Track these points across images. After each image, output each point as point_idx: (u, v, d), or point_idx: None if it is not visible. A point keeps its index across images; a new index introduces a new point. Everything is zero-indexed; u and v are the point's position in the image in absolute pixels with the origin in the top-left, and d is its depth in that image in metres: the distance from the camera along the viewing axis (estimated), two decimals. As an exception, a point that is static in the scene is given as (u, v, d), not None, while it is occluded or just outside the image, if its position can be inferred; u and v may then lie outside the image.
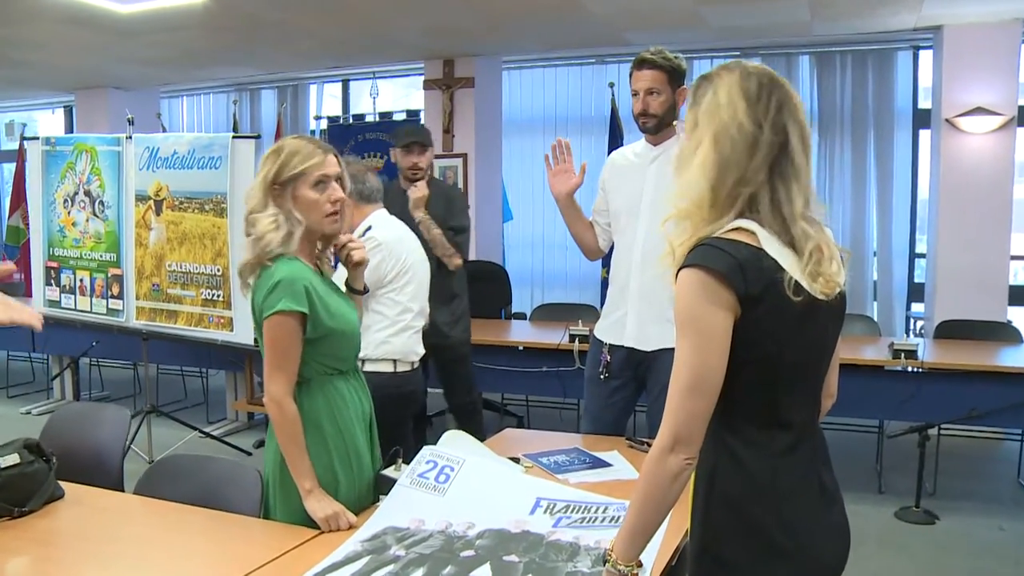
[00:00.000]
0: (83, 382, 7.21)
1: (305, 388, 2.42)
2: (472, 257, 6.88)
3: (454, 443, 2.77)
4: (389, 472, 2.59)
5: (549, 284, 7.94)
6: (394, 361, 3.51)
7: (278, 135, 7.97)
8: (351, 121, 7.94)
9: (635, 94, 3.24)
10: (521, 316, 6.44)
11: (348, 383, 2.52)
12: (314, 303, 2.36)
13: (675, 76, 3.20)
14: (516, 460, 2.87)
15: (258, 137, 4.96)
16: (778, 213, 1.61)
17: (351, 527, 2.32)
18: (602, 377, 3.38)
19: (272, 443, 2.43)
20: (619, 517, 2.32)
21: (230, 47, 6.73)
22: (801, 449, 1.67)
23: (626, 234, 3.34)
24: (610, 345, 3.36)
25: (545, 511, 2.38)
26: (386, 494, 2.49)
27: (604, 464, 2.89)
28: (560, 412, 5.79)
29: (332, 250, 2.60)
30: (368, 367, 3.34)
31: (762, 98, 1.61)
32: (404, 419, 3.57)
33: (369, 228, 3.54)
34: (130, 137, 5.14)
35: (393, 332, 3.51)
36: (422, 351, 3.66)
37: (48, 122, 10.49)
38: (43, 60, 7.08)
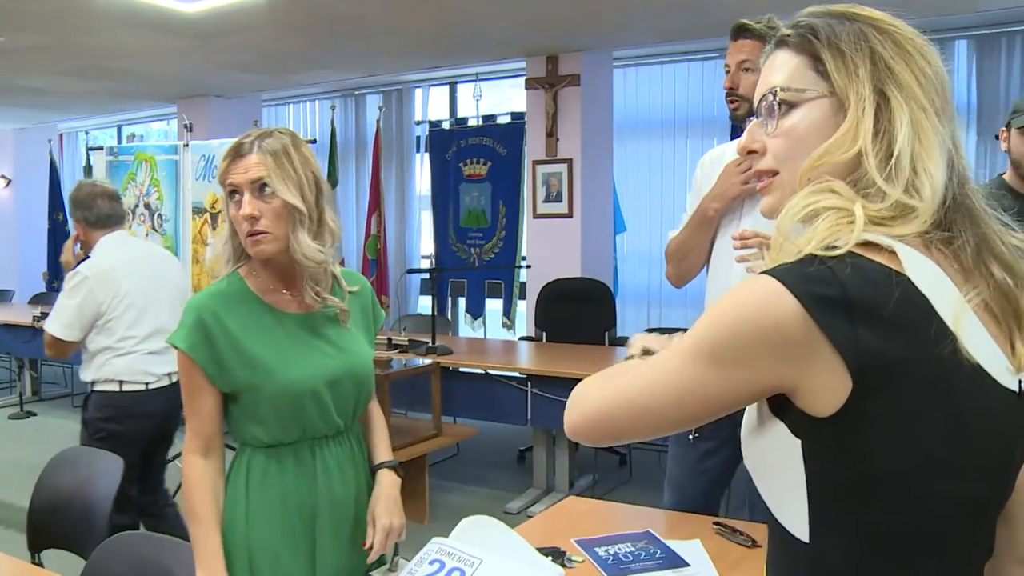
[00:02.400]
0: None
1: (237, 455, 1.90)
2: (576, 274, 6.26)
3: (473, 533, 2.10)
4: (378, 574, 1.96)
5: (667, 302, 7.18)
6: (120, 381, 3.48)
7: (376, 141, 7.53)
8: (454, 125, 7.43)
9: (726, 70, 2.55)
10: (626, 341, 5.73)
11: (283, 464, 1.89)
12: (213, 342, 1.79)
13: None
14: (561, 554, 2.19)
15: (314, 141, 4.45)
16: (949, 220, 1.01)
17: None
18: (691, 438, 2.68)
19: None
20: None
21: (318, 48, 6.31)
22: None
23: (722, 250, 2.63)
24: None
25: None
26: (375, 604, 1.87)
27: (679, 562, 2.18)
28: (659, 457, 5.06)
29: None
30: (96, 387, 3.49)
31: (930, 47, 1.06)
32: (137, 439, 3.49)
33: (87, 259, 3.45)
34: (187, 144, 4.72)
35: (113, 356, 3.48)
36: (161, 371, 3.56)
37: (163, 134, 10.46)
38: (136, 69, 6.87)
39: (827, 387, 0.90)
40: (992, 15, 5.64)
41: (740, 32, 2.55)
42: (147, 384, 3.52)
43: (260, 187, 1.80)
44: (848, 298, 0.89)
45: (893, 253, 0.93)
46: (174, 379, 3.59)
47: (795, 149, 1.04)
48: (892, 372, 0.89)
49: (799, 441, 0.95)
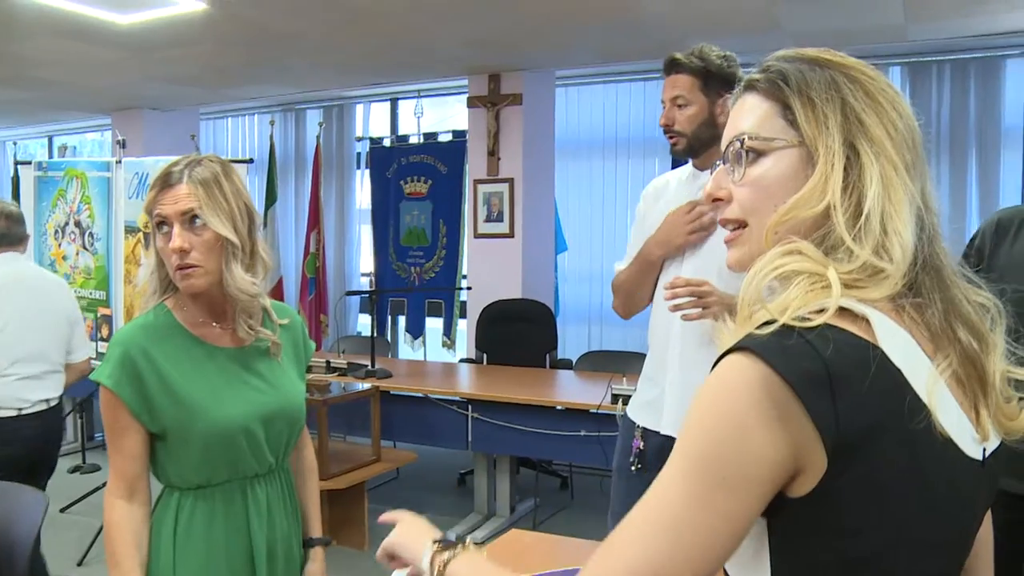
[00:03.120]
0: (97, 423, 6.74)
1: (161, 497, 1.82)
2: (517, 294, 6.22)
3: None
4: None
5: (608, 321, 7.16)
6: None
7: (316, 158, 7.43)
8: (395, 142, 7.35)
9: (663, 105, 2.54)
10: (568, 364, 5.71)
11: (212, 505, 1.81)
12: (140, 379, 1.71)
13: (712, 80, 2.46)
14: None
15: (251, 161, 4.35)
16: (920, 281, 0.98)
17: None
18: (633, 469, 2.65)
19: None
20: None
21: (257, 63, 6.19)
22: None
23: (662, 282, 2.60)
24: (644, 429, 2.63)
25: None
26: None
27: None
28: (601, 482, 5.03)
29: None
30: None
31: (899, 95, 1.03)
32: (8, 466, 3.26)
33: None
34: (120, 161, 4.58)
35: None
36: (37, 397, 3.47)
37: (97, 145, 10.19)
38: (67, 79, 6.67)
39: (802, 466, 0.87)
40: (923, 44, 5.76)
41: (671, 67, 2.52)
42: (20, 410, 3.42)
43: (191, 219, 1.73)
44: (830, 376, 0.85)
45: (866, 320, 0.90)
46: (52, 404, 3.56)
47: (762, 200, 1.01)
48: (867, 450, 0.87)
49: (764, 520, 0.92)
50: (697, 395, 0.92)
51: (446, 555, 1.11)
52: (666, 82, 2.53)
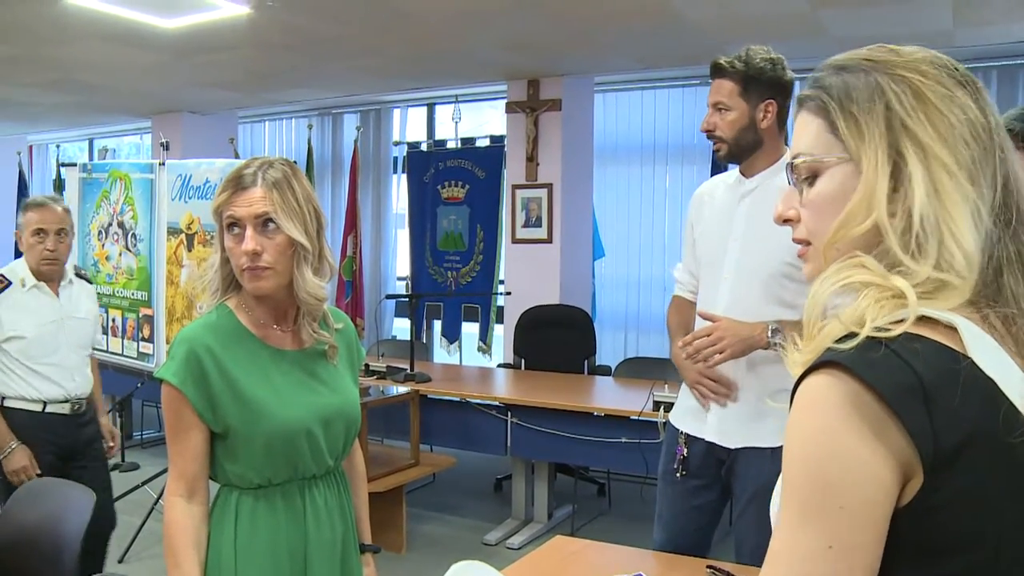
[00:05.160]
0: (136, 422, 6.89)
1: (219, 496, 1.82)
2: (556, 300, 6.20)
3: (463, 581, 2.03)
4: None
5: (644, 328, 7.13)
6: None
7: (354, 162, 7.46)
8: (432, 147, 7.37)
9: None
10: (606, 370, 5.68)
11: (273, 505, 1.82)
12: (206, 378, 1.72)
13: (754, 85, 2.44)
14: (551, 602, 2.12)
15: (294, 163, 4.36)
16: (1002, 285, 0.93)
17: None
18: (679, 476, 2.63)
19: None
20: None
21: (297, 67, 6.23)
22: None
23: (707, 294, 2.59)
24: (687, 435, 2.61)
25: None
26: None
27: (673, 611, 2.12)
28: (642, 489, 5.00)
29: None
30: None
31: (968, 83, 0.97)
32: None
33: None
34: (163, 163, 4.61)
35: None
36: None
37: (135, 148, 10.30)
38: (109, 83, 6.75)
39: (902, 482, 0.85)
40: (970, 50, 5.68)
41: (715, 71, 2.50)
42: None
43: (264, 222, 1.73)
44: (923, 387, 0.83)
45: (951, 329, 0.87)
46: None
47: (819, 220, 0.99)
48: (964, 464, 0.83)
49: None
50: (788, 427, 0.88)
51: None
52: (711, 86, 2.51)
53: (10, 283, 3.28)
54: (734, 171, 2.65)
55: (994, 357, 0.87)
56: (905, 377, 0.83)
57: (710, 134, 2.51)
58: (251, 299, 1.83)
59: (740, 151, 2.49)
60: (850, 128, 0.96)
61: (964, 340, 0.87)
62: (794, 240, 1.06)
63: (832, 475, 0.83)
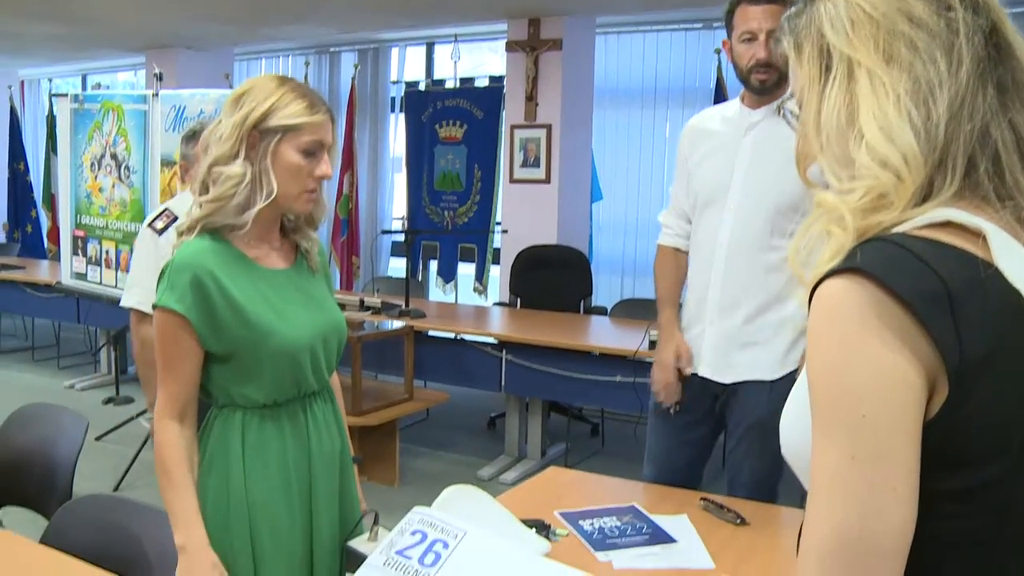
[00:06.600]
0: (130, 356, 6.78)
1: (218, 417, 1.82)
2: (553, 241, 6.18)
3: (456, 503, 2.03)
4: (357, 543, 1.88)
5: (641, 273, 7.11)
6: None
7: (351, 100, 7.37)
8: (431, 86, 7.28)
9: (749, 38, 2.41)
10: (602, 311, 5.68)
11: (279, 422, 1.83)
12: (210, 303, 1.71)
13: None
14: (545, 527, 2.13)
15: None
16: (1017, 187, 0.85)
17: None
18: (671, 411, 2.63)
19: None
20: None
21: (296, 1, 6.12)
22: None
23: (707, 227, 2.55)
24: (680, 370, 2.60)
25: (567, 621, 1.64)
26: (354, 573, 1.78)
27: (666, 538, 2.12)
28: (635, 428, 5.02)
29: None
30: None
31: None
32: None
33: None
34: (156, 94, 4.55)
35: None
36: None
37: (130, 86, 10.17)
38: (102, 14, 6.61)
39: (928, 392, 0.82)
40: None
41: None
42: None
43: (329, 153, 1.80)
44: (949, 294, 0.80)
45: (977, 236, 0.84)
46: None
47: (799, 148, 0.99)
48: (990, 376, 0.81)
49: None
50: (808, 336, 0.85)
51: None
52: (748, 12, 2.40)
53: (176, 217, 3.18)
54: (731, 103, 2.60)
55: (1020, 266, 0.84)
56: (930, 284, 0.80)
57: (767, 64, 2.39)
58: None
59: (779, 81, 2.43)
60: (798, 56, 0.96)
61: (991, 247, 0.84)
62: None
63: (852, 382, 0.81)
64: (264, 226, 1.82)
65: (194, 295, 1.70)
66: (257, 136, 1.73)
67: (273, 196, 1.74)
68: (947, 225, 0.84)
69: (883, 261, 0.82)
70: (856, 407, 0.80)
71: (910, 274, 0.80)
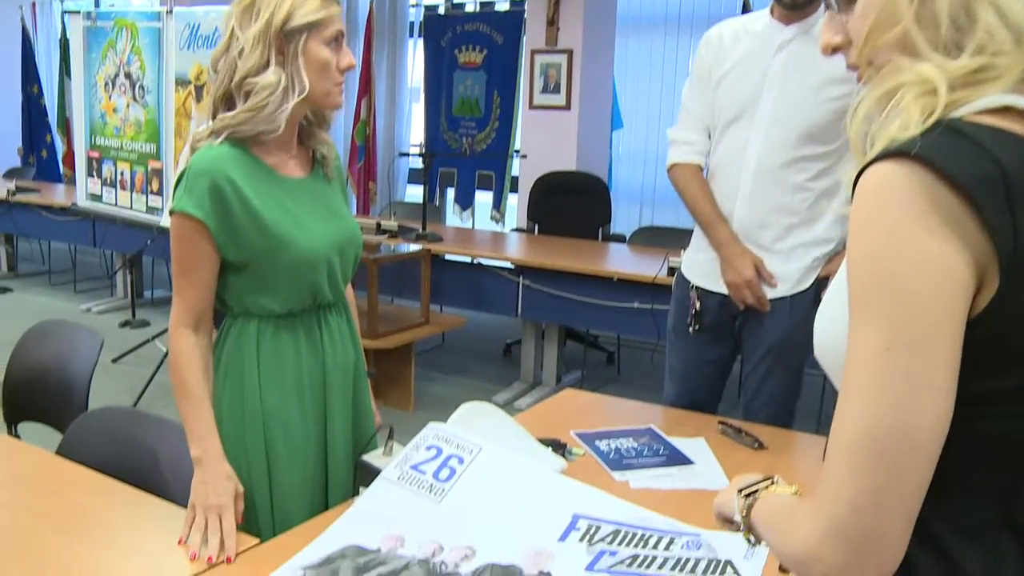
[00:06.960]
0: (147, 280, 6.90)
1: (233, 326, 1.79)
2: (572, 168, 6.10)
3: (473, 420, 2.00)
4: (372, 458, 1.86)
5: (660, 202, 7.03)
6: None
7: (369, 24, 7.23)
8: (450, 10, 7.13)
9: None
10: (620, 238, 5.62)
11: (295, 332, 1.82)
12: (229, 210, 1.67)
13: None
14: (561, 446, 2.11)
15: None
16: None
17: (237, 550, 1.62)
18: (691, 330, 2.58)
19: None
20: (686, 561, 1.55)
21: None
22: None
23: (732, 145, 2.46)
24: (700, 289, 2.55)
25: (582, 537, 1.62)
26: (368, 487, 1.77)
27: (683, 460, 2.10)
28: (652, 356, 4.99)
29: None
30: None
31: None
32: None
33: None
34: (170, 11, 4.45)
35: None
36: None
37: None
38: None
39: (977, 284, 0.77)
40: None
41: None
42: None
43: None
44: (1006, 180, 0.74)
45: None
46: None
47: (861, 29, 0.90)
48: None
49: None
50: (850, 222, 0.81)
51: (748, 500, 1.02)
52: None
53: None
54: (758, 16, 2.49)
55: None
56: (987, 168, 0.75)
57: None
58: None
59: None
60: None
61: None
62: (849, 66, 0.97)
63: (894, 269, 0.76)
64: (287, 132, 1.77)
65: (212, 201, 1.66)
66: (283, 39, 1.68)
67: (306, 93, 1.71)
68: (1007, 111, 0.79)
69: (936, 145, 0.76)
70: (896, 295, 0.76)
71: (965, 157, 0.75)
